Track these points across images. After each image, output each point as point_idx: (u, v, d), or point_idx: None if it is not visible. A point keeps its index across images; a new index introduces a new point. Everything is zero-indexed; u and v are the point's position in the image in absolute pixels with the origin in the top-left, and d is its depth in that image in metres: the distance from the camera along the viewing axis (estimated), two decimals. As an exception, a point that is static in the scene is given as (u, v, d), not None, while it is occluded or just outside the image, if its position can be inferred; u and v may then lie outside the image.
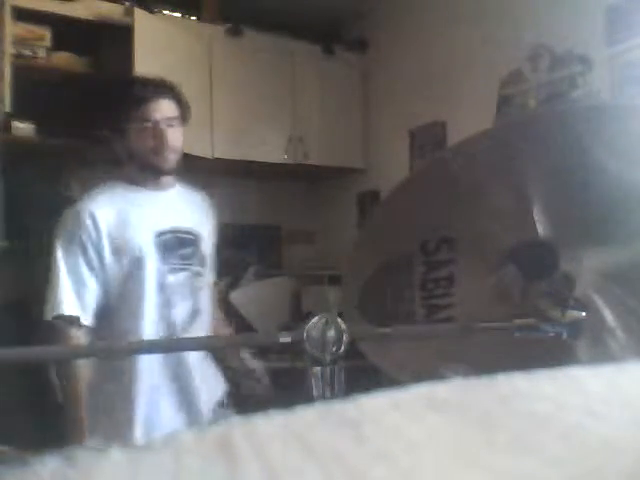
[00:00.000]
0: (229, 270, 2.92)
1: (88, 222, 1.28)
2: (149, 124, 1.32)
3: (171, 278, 1.34)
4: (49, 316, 1.26)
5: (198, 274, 1.40)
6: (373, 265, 0.69)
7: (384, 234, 0.69)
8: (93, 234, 1.28)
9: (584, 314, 0.62)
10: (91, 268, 1.29)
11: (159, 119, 1.33)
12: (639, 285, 0.64)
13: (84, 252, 1.28)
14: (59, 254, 1.28)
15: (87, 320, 1.28)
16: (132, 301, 1.32)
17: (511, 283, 0.67)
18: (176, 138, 1.36)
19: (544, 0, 2.24)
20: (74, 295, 1.27)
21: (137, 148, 1.34)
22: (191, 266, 1.38)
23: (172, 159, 1.36)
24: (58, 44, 2.44)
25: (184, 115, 1.40)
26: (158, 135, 1.32)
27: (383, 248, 0.69)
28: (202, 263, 1.42)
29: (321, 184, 3.35)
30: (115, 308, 1.32)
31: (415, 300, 0.69)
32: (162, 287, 1.34)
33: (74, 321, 1.25)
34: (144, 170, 1.37)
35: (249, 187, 3.18)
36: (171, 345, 0.69)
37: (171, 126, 1.34)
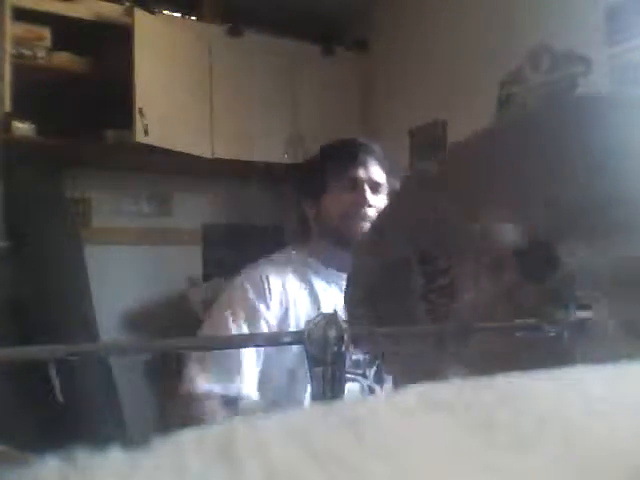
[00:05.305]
0: (229, 270, 2.92)
1: None
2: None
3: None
4: None
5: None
6: (374, 276, 0.69)
7: (384, 242, 0.69)
8: None
9: (584, 314, 0.62)
10: None
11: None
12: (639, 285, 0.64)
13: None
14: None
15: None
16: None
17: (512, 284, 0.67)
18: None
19: (544, 0, 2.24)
20: None
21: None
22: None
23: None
24: (58, 44, 2.44)
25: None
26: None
27: (383, 257, 0.69)
28: None
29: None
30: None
31: (419, 311, 0.69)
32: None
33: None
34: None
35: (249, 187, 3.18)
36: (170, 345, 0.69)
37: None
